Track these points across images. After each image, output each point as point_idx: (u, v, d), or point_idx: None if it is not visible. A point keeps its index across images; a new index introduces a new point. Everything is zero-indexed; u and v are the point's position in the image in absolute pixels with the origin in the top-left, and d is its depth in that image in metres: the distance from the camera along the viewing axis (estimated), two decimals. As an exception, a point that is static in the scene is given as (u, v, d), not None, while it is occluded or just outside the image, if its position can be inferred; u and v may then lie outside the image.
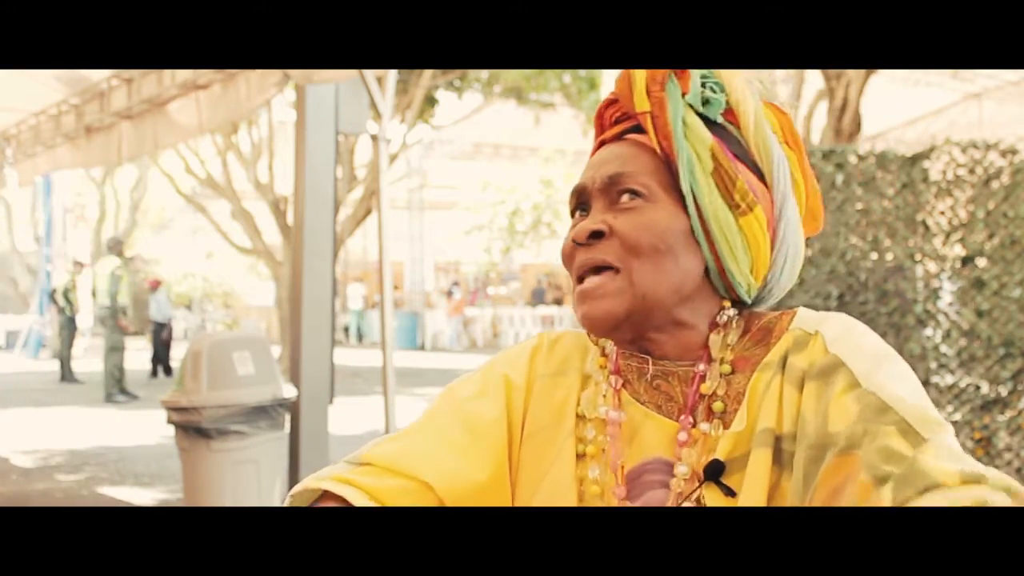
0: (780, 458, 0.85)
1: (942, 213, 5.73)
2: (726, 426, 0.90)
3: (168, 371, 13.51)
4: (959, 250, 5.71)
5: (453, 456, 0.94)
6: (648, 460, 0.93)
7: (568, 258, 0.96)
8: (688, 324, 0.93)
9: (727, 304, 0.95)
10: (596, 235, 0.92)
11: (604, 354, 1.01)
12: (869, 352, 0.85)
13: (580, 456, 0.96)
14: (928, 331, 5.77)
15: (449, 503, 0.92)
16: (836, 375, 0.84)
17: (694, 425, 0.91)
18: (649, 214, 0.91)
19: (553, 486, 0.95)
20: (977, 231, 5.65)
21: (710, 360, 0.93)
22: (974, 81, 12.02)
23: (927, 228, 5.72)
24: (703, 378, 0.92)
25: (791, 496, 0.82)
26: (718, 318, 0.94)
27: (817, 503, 0.78)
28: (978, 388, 5.68)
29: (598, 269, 0.92)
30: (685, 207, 0.92)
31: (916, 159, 5.74)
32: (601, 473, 0.94)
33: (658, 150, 0.93)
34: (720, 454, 0.88)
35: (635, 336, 0.94)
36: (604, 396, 0.97)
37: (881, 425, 0.77)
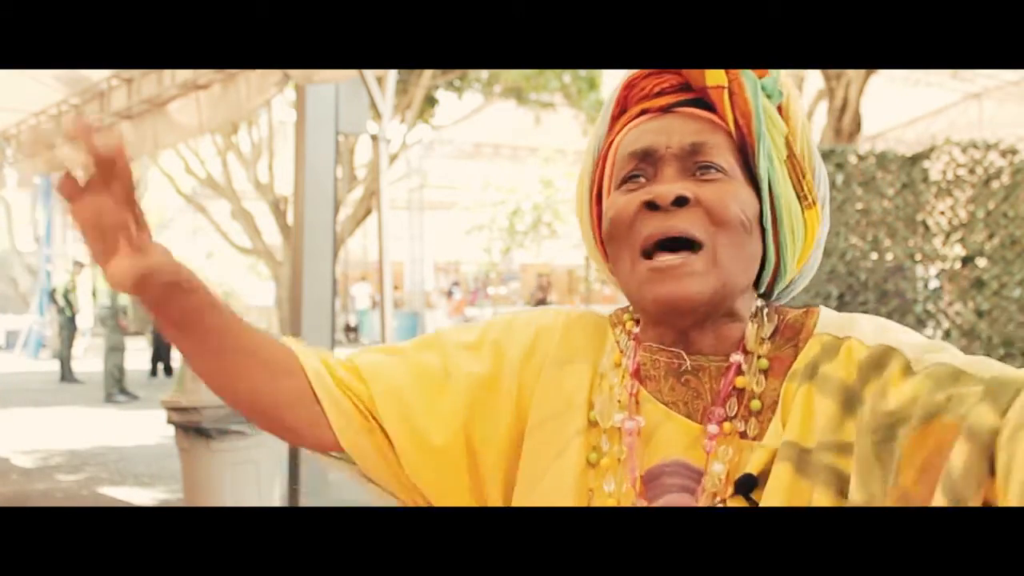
0: (808, 470, 0.79)
1: (942, 213, 5.73)
2: (759, 428, 0.84)
3: (168, 370, 13.50)
4: (959, 250, 5.71)
5: (420, 413, 0.93)
6: (666, 462, 0.87)
7: (627, 224, 0.86)
8: (737, 316, 0.88)
9: (756, 295, 0.91)
10: (681, 202, 0.84)
11: (621, 349, 0.94)
12: (915, 338, 0.82)
13: (592, 464, 0.89)
14: (928, 331, 5.77)
15: (398, 450, 0.92)
16: (889, 361, 0.78)
17: (726, 419, 0.85)
18: (733, 187, 0.85)
19: (553, 491, 0.89)
20: (977, 231, 5.65)
21: (745, 352, 0.88)
22: (974, 81, 12.03)
23: (927, 228, 5.72)
24: (739, 370, 0.87)
25: (858, 492, 0.75)
26: (753, 307, 0.90)
27: (910, 480, 0.71)
28: (978, 388, 5.67)
29: (674, 245, 0.84)
30: (758, 192, 0.87)
31: (916, 159, 5.74)
32: (617, 486, 0.87)
33: (732, 129, 0.87)
34: (753, 468, 0.82)
35: (692, 325, 0.87)
36: (620, 401, 0.90)
37: (965, 388, 0.71)
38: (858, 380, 0.80)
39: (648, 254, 0.85)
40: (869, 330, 0.84)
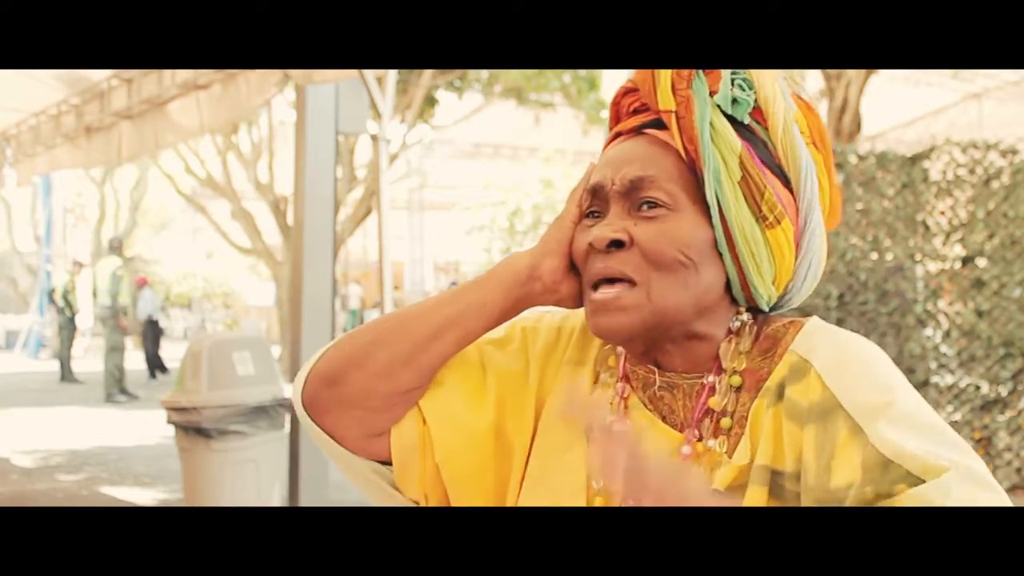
0: (781, 494, 0.82)
1: (942, 213, 5.73)
2: (731, 446, 0.86)
3: (164, 370, 13.47)
4: (959, 250, 5.71)
5: (459, 402, 0.94)
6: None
7: (581, 261, 0.91)
8: (704, 336, 0.89)
9: (742, 310, 0.91)
10: (616, 244, 0.87)
11: (615, 354, 0.97)
12: (867, 386, 0.81)
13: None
14: (928, 331, 5.77)
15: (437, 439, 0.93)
16: (835, 420, 0.80)
17: (699, 439, 0.87)
18: (673, 224, 0.86)
19: (562, 487, 0.92)
20: (977, 231, 5.65)
21: (720, 371, 0.89)
22: (974, 81, 12.02)
23: (927, 228, 5.72)
24: (712, 390, 0.88)
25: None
26: (731, 324, 0.91)
27: None
28: (978, 388, 5.68)
29: (614, 279, 0.87)
30: (709, 216, 0.86)
31: (916, 159, 5.74)
32: (605, 487, 0.90)
33: (683, 153, 0.87)
34: (721, 483, 0.84)
35: (647, 348, 0.91)
36: (611, 403, 0.94)
37: (890, 484, 0.74)
38: (808, 424, 0.82)
39: (595, 287, 0.89)
40: (826, 362, 0.84)
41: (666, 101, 0.87)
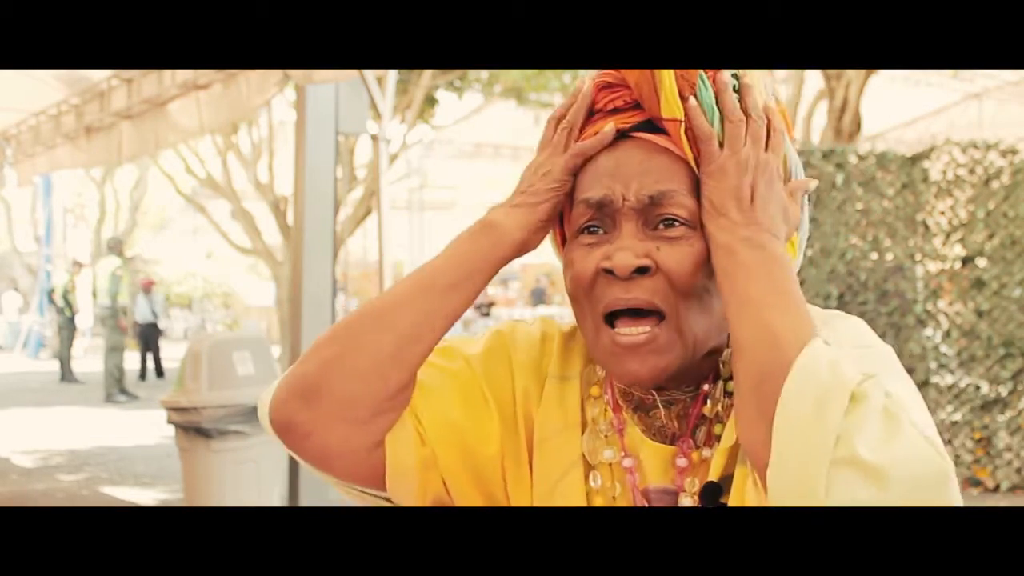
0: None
1: (942, 213, 5.73)
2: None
3: (160, 374, 13.42)
4: (959, 250, 5.71)
5: (468, 424, 0.87)
6: (650, 489, 0.86)
7: (587, 288, 0.81)
8: (714, 350, 0.85)
9: None
10: (641, 271, 0.79)
11: (598, 380, 0.90)
12: (848, 340, 0.79)
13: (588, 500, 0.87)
14: (928, 331, 5.77)
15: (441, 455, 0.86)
16: None
17: (695, 448, 0.84)
18: (698, 246, 0.79)
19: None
20: (977, 231, 5.65)
21: (716, 379, 0.85)
22: (974, 81, 12.02)
23: (927, 228, 5.72)
24: (706, 399, 0.85)
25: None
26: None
27: None
28: (978, 388, 5.68)
29: (636, 312, 0.79)
30: None
31: (916, 159, 5.74)
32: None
33: (692, 165, 0.81)
34: (713, 474, 0.82)
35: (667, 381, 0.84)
36: (607, 437, 0.87)
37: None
38: None
39: (610, 322, 0.80)
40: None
41: (671, 109, 0.80)
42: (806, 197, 0.88)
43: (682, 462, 0.84)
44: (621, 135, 0.83)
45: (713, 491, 0.81)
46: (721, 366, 0.86)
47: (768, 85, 0.86)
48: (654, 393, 0.85)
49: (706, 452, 0.84)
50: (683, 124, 0.80)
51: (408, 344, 0.83)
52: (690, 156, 0.81)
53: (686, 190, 0.80)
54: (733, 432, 0.80)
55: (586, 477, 0.88)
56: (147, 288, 13.60)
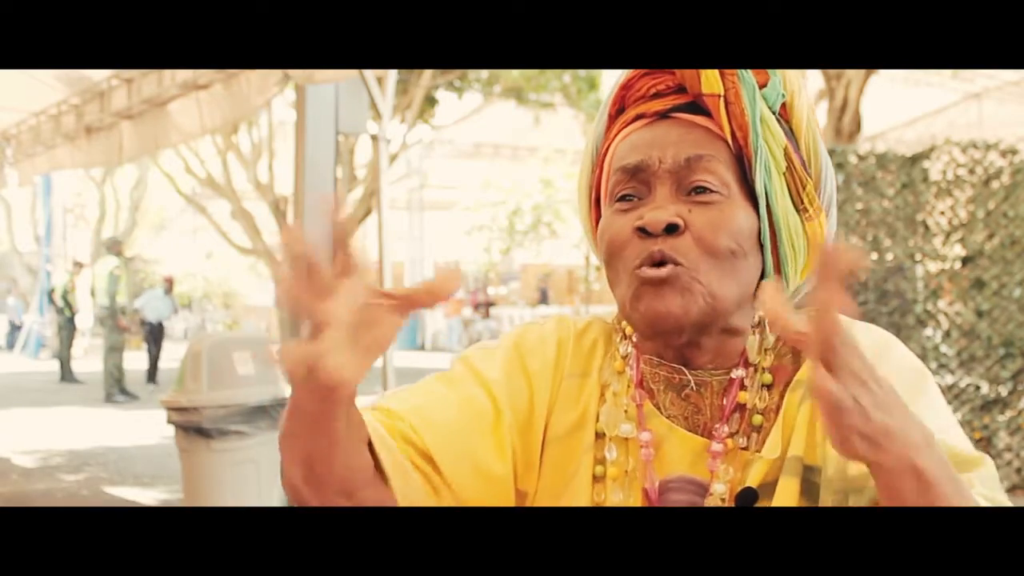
0: (809, 490, 0.80)
1: (942, 213, 5.73)
2: (760, 441, 0.83)
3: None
4: (959, 250, 5.71)
5: (476, 440, 0.85)
6: (671, 478, 0.85)
7: (621, 247, 0.84)
8: (737, 330, 0.86)
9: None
10: (671, 229, 0.81)
11: (623, 356, 0.91)
12: (902, 374, 0.79)
13: (598, 478, 0.87)
14: (928, 331, 5.77)
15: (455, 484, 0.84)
16: None
17: (729, 436, 0.84)
18: (728, 213, 0.82)
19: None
20: (977, 231, 5.65)
21: (747, 365, 0.86)
22: (974, 81, 12.03)
23: (927, 228, 5.72)
24: (741, 385, 0.85)
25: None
26: (754, 317, 0.88)
27: None
28: (978, 388, 5.68)
29: (661, 263, 0.82)
30: (755, 206, 0.84)
31: (916, 159, 5.74)
32: (625, 499, 0.86)
33: (729, 140, 0.84)
34: (753, 480, 0.82)
35: (688, 343, 0.85)
36: (627, 411, 0.88)
37: None
38: None
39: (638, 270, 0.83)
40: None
41: (712, 84, 0.83)
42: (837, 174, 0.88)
43: (716, 447, 0.84)
44: (660, 116, 0.87)
45: (749, 497, 0.81)
46: (750, 352, 0.86)
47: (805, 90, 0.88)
48: (684, 371, 0.86)
49: (741, 440, 0.84)
50: (722, 98, 0.83)
51: (339, 460, 0.74)
52: (727, 130, 0.83)
53: (723, 159, 0.83)
54: (779, 444, 0.82)
55: (596, 478, 0.87)
56: (168, 286, 13.53)
